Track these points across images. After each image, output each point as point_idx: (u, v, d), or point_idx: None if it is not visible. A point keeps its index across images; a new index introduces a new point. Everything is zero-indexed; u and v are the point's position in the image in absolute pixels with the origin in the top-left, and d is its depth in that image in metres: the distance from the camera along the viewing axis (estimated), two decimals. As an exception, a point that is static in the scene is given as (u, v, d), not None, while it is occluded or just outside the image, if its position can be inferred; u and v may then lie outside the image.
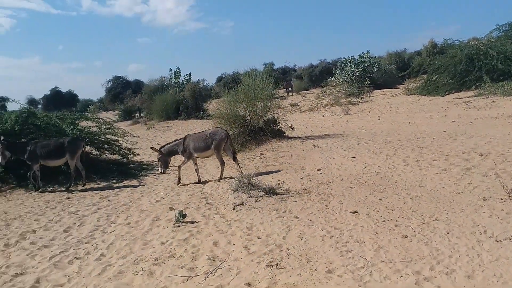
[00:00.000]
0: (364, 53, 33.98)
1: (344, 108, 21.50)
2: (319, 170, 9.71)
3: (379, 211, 6.75)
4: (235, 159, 10.30)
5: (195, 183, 10.03)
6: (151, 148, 10.76)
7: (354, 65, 32.48)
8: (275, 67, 48.40)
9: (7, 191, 10.32)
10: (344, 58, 34.50)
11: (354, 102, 24.79)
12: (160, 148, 10.19)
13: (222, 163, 10.13)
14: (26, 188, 10.30)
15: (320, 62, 50.91)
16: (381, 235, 5.79)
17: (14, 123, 11.20)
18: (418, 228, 5.87)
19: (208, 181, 10.05)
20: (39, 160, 10.05)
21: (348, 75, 32.07)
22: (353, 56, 33.51)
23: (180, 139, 10.20)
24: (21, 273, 5.48)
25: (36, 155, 9.98)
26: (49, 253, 6.12)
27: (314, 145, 12.41)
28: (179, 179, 10.12)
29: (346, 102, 24.46)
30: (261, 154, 12.02)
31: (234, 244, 5.90)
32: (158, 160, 10.23)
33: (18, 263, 5.80)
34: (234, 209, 7.48)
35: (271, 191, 7.94)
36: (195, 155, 10.02)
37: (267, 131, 13.28)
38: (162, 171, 10.25)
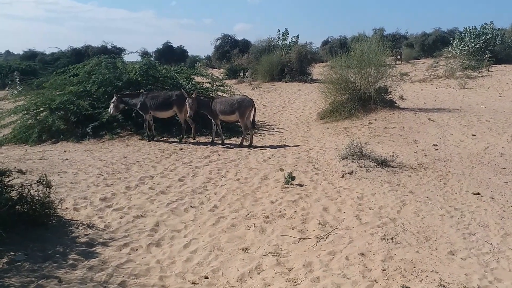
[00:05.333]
0: (487, 24, 31.08)
1: (461, 82, 19.96)
2: (434, 145, 9.18)
3: (505, 195, 6.24)
4: (252, 128, 10.42)
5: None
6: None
7: (475, 36, 29.89)
8: (385, 33, 46.11)
9: (126, 137, 11.11)
10: (464, 28, 31.87)
11: (472, 76, 22.91)
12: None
13: (245, 129, 10.29)
14: (143, 136, 11.00)
15: (435, 30, 47.71)
16: (508, 221, 5.36)
17: (137, 74, 11.94)
18: (553, 219, 5.33)
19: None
20: (150, 111, 10.63)
21: (467, 46, 29.64)
22: (474, 26, 30.81)
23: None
24: (141, 215, 5.88)
25: (146, 106, 10.57)
26: (166, 199, 6.50)
27: (429, 119, 11.73)
28: (212, 140, 10.78)
29: (463, 75, 22.69)
30: (369, 123, 11.63)
31: (344, 212, 5.81)
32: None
33: (138, 206, 6.22)
34: (343, 177, 7.35)
35: (383, 163, 7.67)
36: (220, 116, 10.21)
37: (377, 100, 12.77)
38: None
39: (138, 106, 10.65)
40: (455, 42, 31.89)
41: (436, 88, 20.08)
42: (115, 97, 10.59)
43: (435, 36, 45.57)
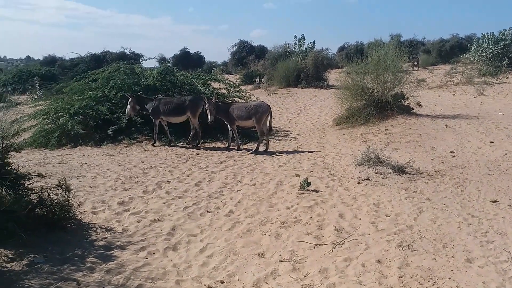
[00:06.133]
0: (505, 30, 30.67)
1: (479, 88, 19.72)
2: (452, 152, 9.09)
3: (524, 203, 6.14)
4: (268, 133, 10.42)
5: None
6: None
7: (493, 42, 29.51)
8: (402, 39, 45.83)
9: (143, 142, 11.23)
10: (481, 34, 31.49)
11: (490, 83, 22.62)
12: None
13: (262, 134, 10.31)
14: (161, 141, 11.10)
15: (452, 36, 47.38)
16: (527, 230, 5.27)
17: (155, 79, 12.09)
18: None
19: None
20: (161, 116, 10.75)
21: (485, 52, 29.27)
22: (493, 32, 30.43)
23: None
24: (158, 219, 5.93)
25: (158, 111, 10.69)
26: (183, 204, 6.54)
27: (446, 125, 11.61)
28: (228, 145, 10.77)
29: (481, 82, 22.41)
30: (386, 129, 11.56)
31: (360, 219, 5.78)
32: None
33: (155, 210, 6.27)
34: (359, 183, 7.31)
35: (400, 169, 7.61)
36: (237, 122, 10.27)
37: (394, 106, 12.69)
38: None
39: (150, 111, 10.78)
40: (472, 48, 31.52)
41: (454, 94, 19.88)
42: (130, 98, 10.75)
43: (452, 42, 45.24)
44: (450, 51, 43.69)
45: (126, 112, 10.92)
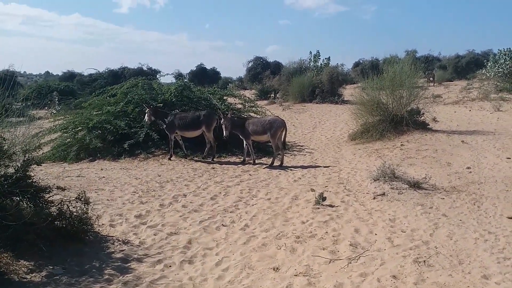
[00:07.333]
0: (523, 45, 30.38)
1: (495, 104, 19.52)
2: (468, 168, 9.01)
3: (542, 220, 6.06)
4: (283, 148, 10.48)
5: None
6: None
7: (510, 58, 29.25)
8: (417, 55, 45.69)
9: (160, 156, 11.35)
10: (498, 50, 31.26)
11: (506, 99, 22.37)
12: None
13: (277, 149, 10.34)
14: (177, 155, 11.21)
15: (468, 52, 46.95)
16: (546, 247, 5.20)
17: (173, 95, 12.28)
18: None
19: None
20: (176, 131, 10.89)
21: (501, 68, 29.01)
22: (509, 48, 30.17)
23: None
24: (175, 233, 5.98)
25: (173, 126, 10.84)
26: (199, 217, 6.59)
27: (462, 141, 11.52)
28: (243, 160, 10.83)
29: (497, 98, 22.19)
30: (401, 145, 11.51)
31: (376, 234, 5.76)
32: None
33: (172, 223, 6.34)
34: (374, 198, 7.30)
35: (415, 185, 7.58)
36: (252, 137, 10.35)
37: (409, 122, 12.65)
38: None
39: (165, 126, 10.94)
40: (489, 64, 31.26)
41: (470, 110, 19.72)
42: (148, 109, 10.97)
43: (468, 58, 44.86)
44: (466, 66, 43.32)
45: (145, 121, 11.20)
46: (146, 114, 11.01)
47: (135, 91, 12.53)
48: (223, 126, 10.07)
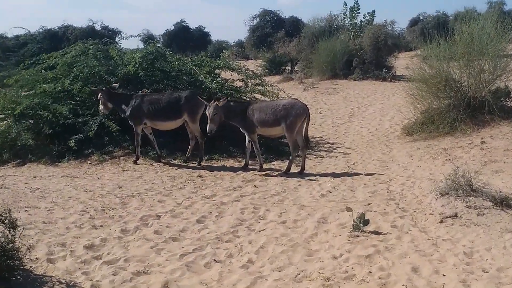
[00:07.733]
0: None
1: None
2: None
3: None
4: (304, 147, 10.42)
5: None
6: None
7: None
8: (505, 9, 45.60)
9: (121, 157, 11.40)
10: None
11: None
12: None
13: (295, 148, 10.32)
14: (146, 156, 11.24)
15: None
16: None
17: (139, 66, 12.19)
18: None
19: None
20: (145, 120, 10.82)
21: None
22: None
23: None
24: (143, 272, 5.98)
25: (140, 113, 10.72)
26: (179, 249, 6.62)
27: None
28: (245, 164, 10.87)
29: None
30: (482, 142, 11.52)
31: (444, 275, 5.77)
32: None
33: (139, 257, 6.34)
34: (442, 221, 7.31)
35: (503, 202, 7.57)
36: (259, 129, 10.25)
37: (494, 108, 12.62)
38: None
39: (128, 113, 10.83)
40: None
41: None
42: (100, 93, 10.86)
43: None
44: None
45: (100, 111, 11.07)
46: (100, 101, 10.93)
47: (83, 62, 12.50)
48: (208, 116, 9.86)
